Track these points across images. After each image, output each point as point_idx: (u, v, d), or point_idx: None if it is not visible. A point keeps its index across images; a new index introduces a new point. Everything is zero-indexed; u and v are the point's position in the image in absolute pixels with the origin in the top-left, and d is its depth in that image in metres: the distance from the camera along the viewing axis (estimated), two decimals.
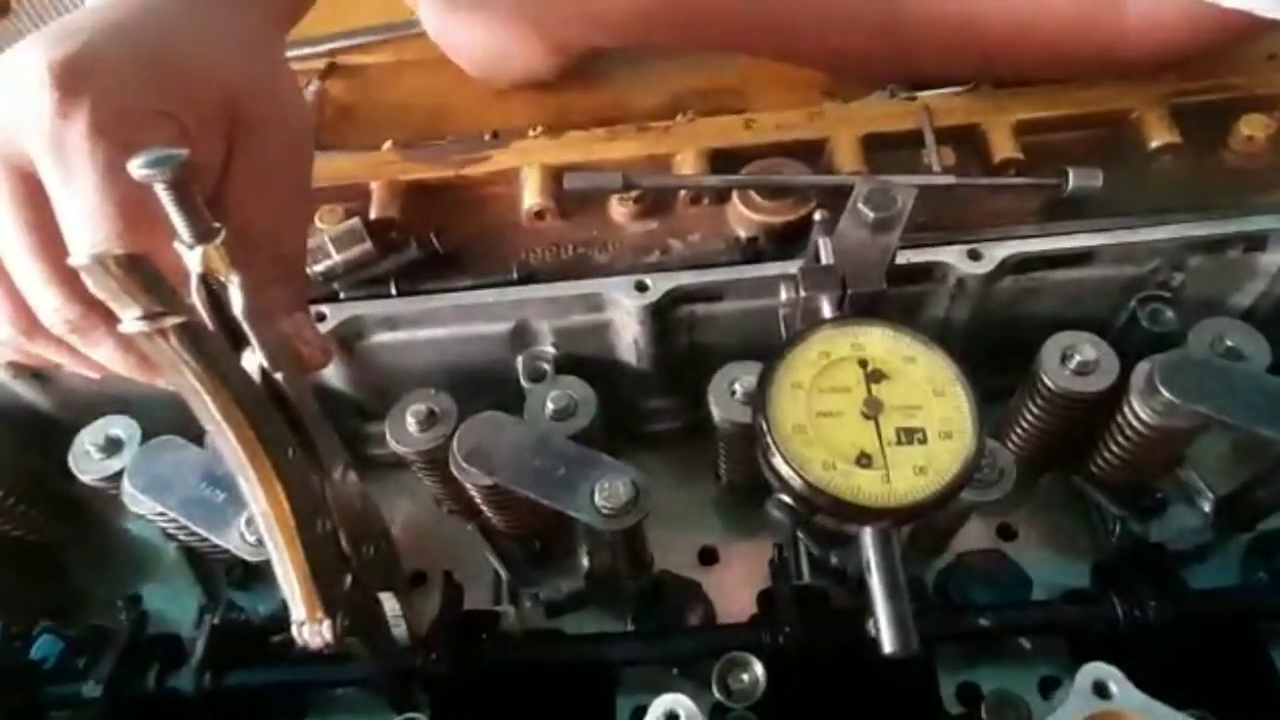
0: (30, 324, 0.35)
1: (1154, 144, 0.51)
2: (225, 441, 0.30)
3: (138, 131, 0.32)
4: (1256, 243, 0.47)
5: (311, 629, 0.34)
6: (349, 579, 0.37)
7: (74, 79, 0.32)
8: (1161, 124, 0.51)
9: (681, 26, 0.55)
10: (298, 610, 0.34)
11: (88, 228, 0.32)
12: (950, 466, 0.31)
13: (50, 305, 0.33)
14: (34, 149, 0.32)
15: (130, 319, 0.26)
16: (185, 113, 0.34)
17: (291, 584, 0.33)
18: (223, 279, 0.30)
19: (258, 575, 0.51)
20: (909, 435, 0.32)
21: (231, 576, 0.51)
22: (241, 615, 0.48)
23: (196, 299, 0.30)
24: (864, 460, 0.32)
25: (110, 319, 0.32)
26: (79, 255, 0.31)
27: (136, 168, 0.26)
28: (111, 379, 0.47)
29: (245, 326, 0.30)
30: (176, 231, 0.28)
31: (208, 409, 0.29)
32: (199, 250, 0.29)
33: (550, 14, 0.54)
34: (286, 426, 0.33)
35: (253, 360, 0.32)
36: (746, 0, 0.53)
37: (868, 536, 0.31)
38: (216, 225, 0.29)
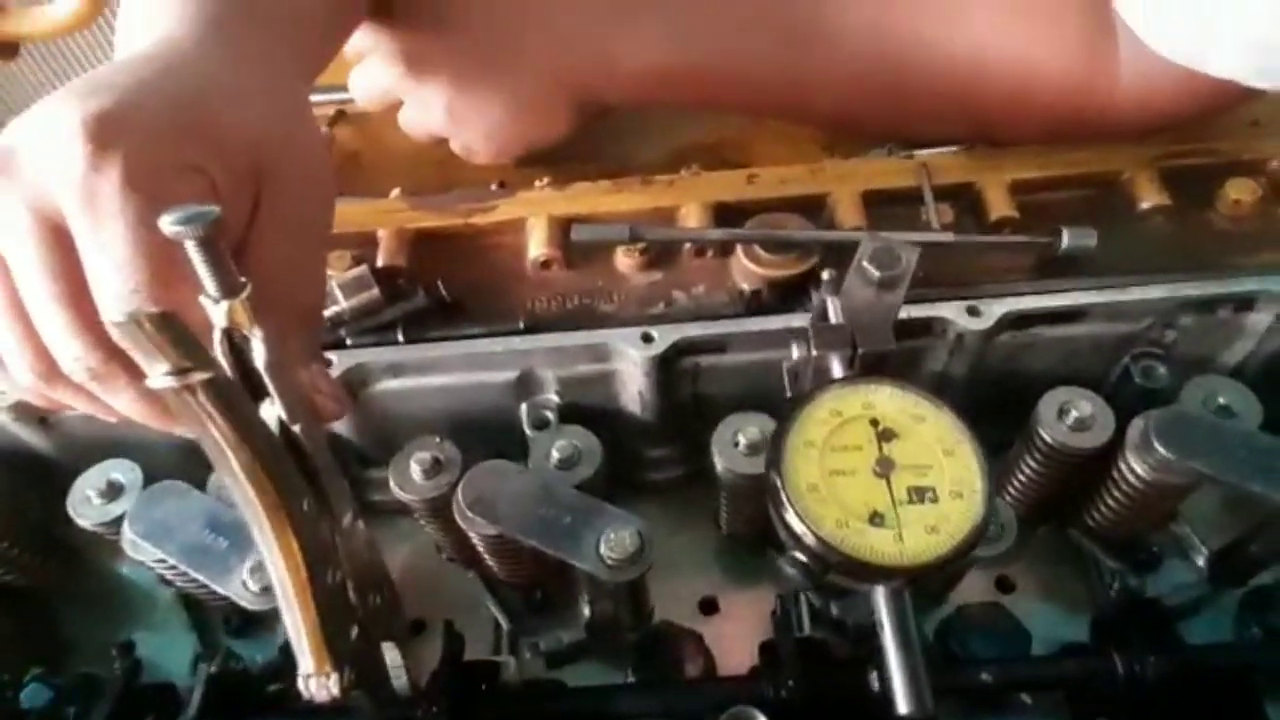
0: (51, 371, 0.35)
1: (1144, 205, 0.53)
2: (243, 493, 0.30)
3: (168, 185, 0.33)
4: (1245, 303, 0.48)
5: (319, 682, 0.34)
6: (355, 630, 0.37)
7: (107, 133, 0.32)
8: (1151, 185, 0.53)
9: (700, 88, 0.56)
10: (306, 662, 0.33)
11: (116, 279, 0.32)
12: (961, 527, 0.32)
13: (72, 354, 0.34)
14: (65, 201, 0.32)
15: (158, 374, 0.26)
16: (215, 167, 0.34)
17: (301, 636, 0.33)
18: (246, 333, 0.30)
19: (256, 623, 0.50)
20: (920, 494, 0.33)
21: (229, 624, 0.50)
22: (239, 664, 0.48)
23: (219, 352, 0.30)
24: (876, 519, 0.32)
25: (131, 368, 0.33)
26: (108, 308, 0.31)
27: (168, 224, 0.27)
28: (116, 424, 0.48)
29: (266, 379, 0.31)
30: (203, 286, 0.29)
31: (228, 461, 0.29)
32: (224, 304, 0.29)
33: (575, 77, 0.55)
34: (301, 477, 0.33)
35: (271, 412, 0.32)
36: (762, 63, 0.55)
37: (880, 596, 0.32)
38: (243, 280, 0.29)
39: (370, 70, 0.57)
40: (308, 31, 0.45)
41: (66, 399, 0.37)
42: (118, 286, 0.32)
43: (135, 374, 0.33)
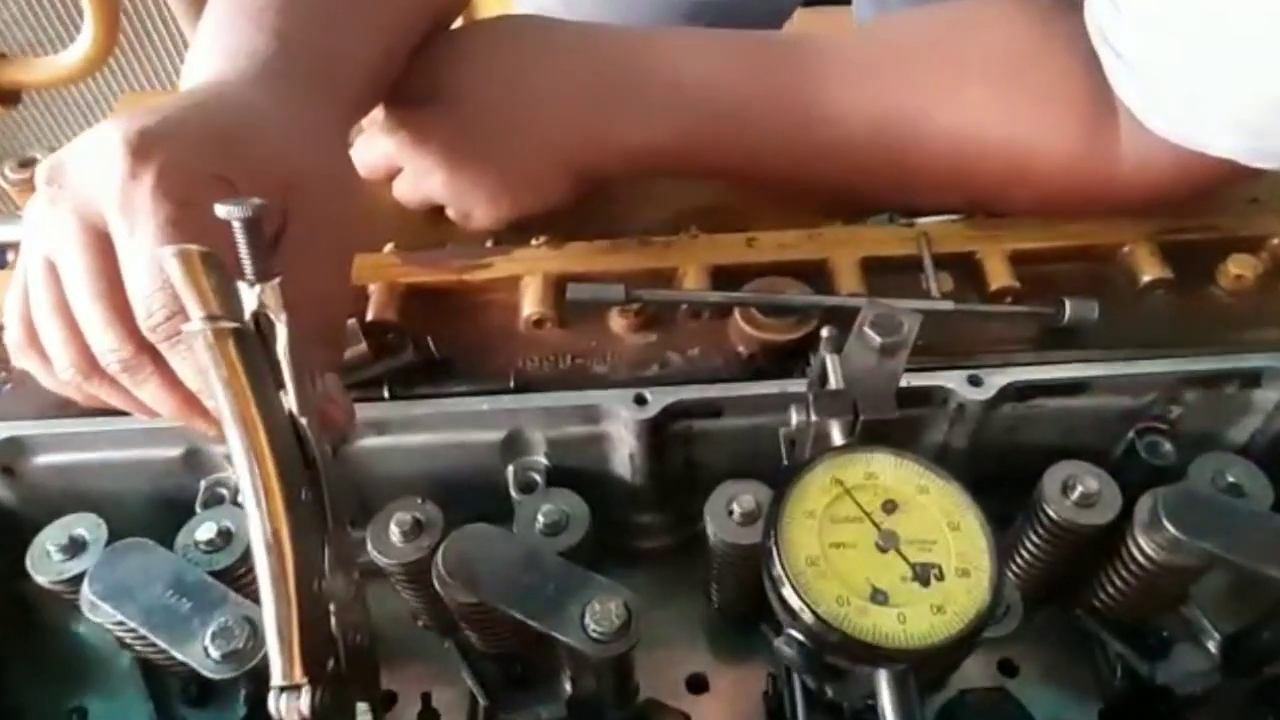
0: (90, 366, 0.39)
1: (1146, 279, 0.52)
2: (245, 457, 0.31)
3: (197, 193, 0.36)
4: (1252, 379, 0.48)
5: (290, 699, 0.32)
6: (332, 662, 0.35)
7: (145, 146, 0.36)
8: (1152, 259, 0.52)
9: (697, 163, 0.56)
10: (280, 671, 0.32)
11: (147, 276, 0.35)
12: (969, 607, 0.30)
13: (108, 346, 0.37)
14: (106, 206, 0.36)
15: (197, 319, 0.30)
16: (243, 183, 0.38)
17: (280, 632, 0.32)
18: (273, 317, 0.32)
19: (215, 693, 0.48)
20: (925, 571, 0.31)
21: (187, 693, 0.48)
22: None
23: None
24: (879, 596, 0.30)
25: (158, 361, 0.37)
26: (139, 304, 0.35)
27: (220, 207, 0.30)
28: (83, 477, 0.48)
29: (284, 365, 0.32)
30: (242, 268, 0.31)
31: (238, 423, 0.31)
32: (257, 288, 0.31)
33: (571, 153, 0.55)
34: (303, 469, 0.34)
35: (284, 403, 0.33)
36: (759, 141, 0.55)
37: (883, 680, 0.30)
38: (277, 270, 0.32)
39: (372, 140, 0.58)
40: (347, 87, 0.49)
41: (101, 393, 0.40)
42: (148, 283, 0.35)
43: (161, 366, 0.38)
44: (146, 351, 0.37)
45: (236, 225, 0.31)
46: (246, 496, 0.32)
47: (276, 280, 0.32)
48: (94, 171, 0.37)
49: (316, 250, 0.40)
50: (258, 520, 0.32)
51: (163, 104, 0.39)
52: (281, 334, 0.32)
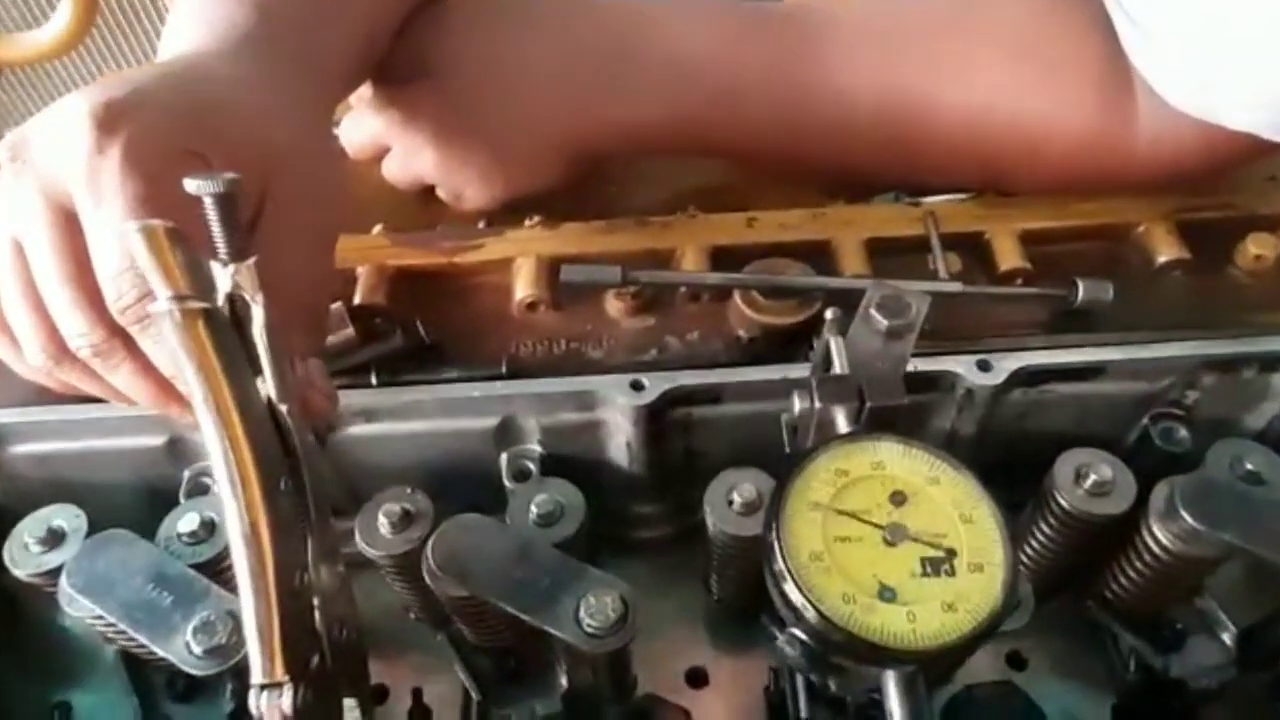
0: (60, 350, 0.37)
1: (1162, 259, 0.51)
2: (219, 445, 0.30)
3: (167, 167, 0.34)
4: (1271, 363, 0.46)
5: (271, 697, 0.30)
6: (316, 659, 0.34)
7: (112, 118, 0.34)
8: (1168, 239, 0.51)
9: (694, 142, 0.55)
10: (260, 669, 0.30)
11: (114, 255, 0.34)
12: (982, 604, 0.29)
13: (77, 329, 0.36)
14: (71, 182, 0.35)
15: (163, 298, 0.28)
16: (218, 159, 0.36)
17: (260, 629, 0.30)
18: (249, 298, 0.30)
19: (201, 688, 0.46)
20: (936, 566, 0.29)
21: (173, 688, 0.46)
22: None
23: None
24: (887, 593, 0.29)
25: (130, 345, 0.36)
26: (106, 285, 0.34)
27: (191, 181, 0.29)
28: (65, 467, 0.47)
29: (261, 348, 0.31)
30: (215, 247, 0.30)
31: (211, 409, 0.29)
32: (231, 268, 0.30)
33: (564, 131, 0.54)
34: (283, 458, 0.32)
35: (262, 389, 0.32)
36: (760, 121, 0.53)
37: (891, 682, 0.28)
38: (254, 251, 0.30)
39: (359, 118, 0.56)
40: (331, 63, 0.47)
41: (74, 379, 0.39)
42: (116, 263, 0.33)
43: (133, 351, 0.36)
44: (118, 335, 0.35)
45: (208, 200, 0.29)
46: (222, 487, 0.30)
47: (252, 260, 0.30)
48: (59, 146, 0.35)
49: (296, 231, 0.39)
50: (234, 512, 0.30)
51: (134, 74, 0.37)
52: (257, 316, 0.31)
